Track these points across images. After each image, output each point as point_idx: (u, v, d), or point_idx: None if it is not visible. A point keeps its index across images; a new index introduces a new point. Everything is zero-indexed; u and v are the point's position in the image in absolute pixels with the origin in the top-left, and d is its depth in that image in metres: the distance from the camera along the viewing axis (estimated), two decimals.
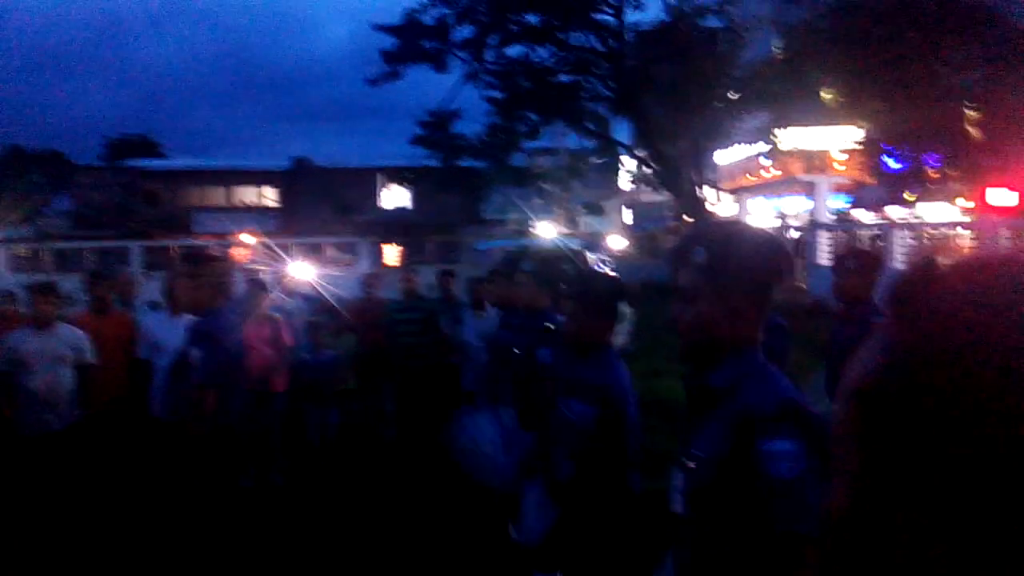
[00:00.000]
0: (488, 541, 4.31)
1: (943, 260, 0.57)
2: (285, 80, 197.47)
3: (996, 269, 0.52)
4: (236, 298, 6.11)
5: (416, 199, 33.22)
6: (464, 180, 23.95)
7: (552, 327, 3.81)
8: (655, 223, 32.71)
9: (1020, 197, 19.25)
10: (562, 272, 4.53)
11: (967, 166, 20.45)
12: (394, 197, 35.50)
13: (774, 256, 1.61)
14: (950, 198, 22.17)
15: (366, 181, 34.04)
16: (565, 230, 28.15)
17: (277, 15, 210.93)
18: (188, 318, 4.20)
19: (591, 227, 35.55)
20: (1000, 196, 19.45)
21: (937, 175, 22.19)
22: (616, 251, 29.51)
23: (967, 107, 20.00)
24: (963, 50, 19.52)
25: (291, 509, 5.37)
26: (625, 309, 2.75)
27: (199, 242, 24.01)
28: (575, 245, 12.79)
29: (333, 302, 7.48)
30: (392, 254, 21.60)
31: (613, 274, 3.28)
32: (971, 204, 21.09)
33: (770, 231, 1.89)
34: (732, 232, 1.69)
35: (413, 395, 6.90)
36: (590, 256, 11.84)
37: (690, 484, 1.56)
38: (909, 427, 0.50)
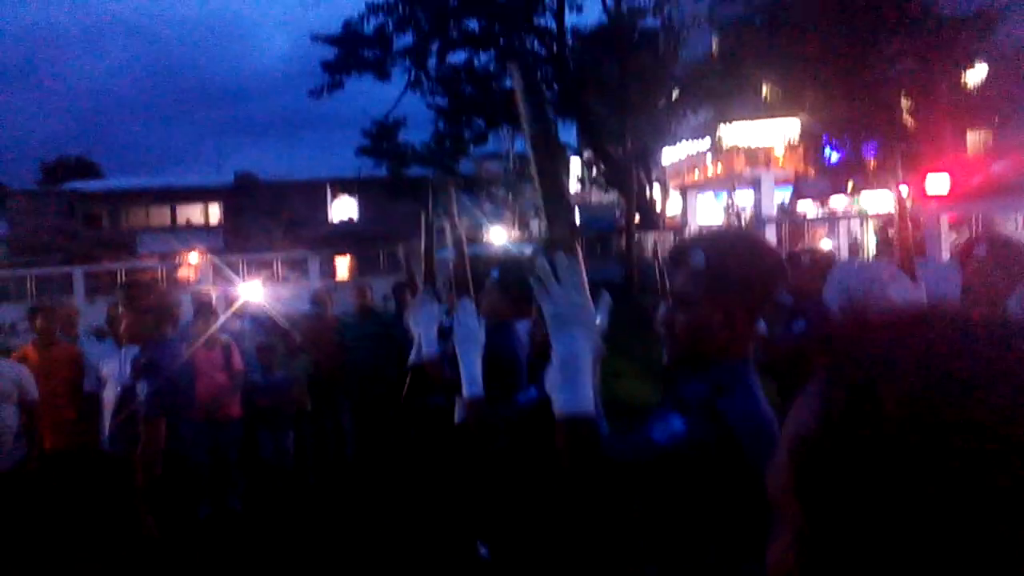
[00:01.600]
0: (455, 559, 4.27)
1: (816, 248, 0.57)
2: (226, 94, 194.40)
3: (930, 327, 0.53)
4: (183, 323, 5.98)
5: (366, 210, 32.96)
6: (411, 188, 23.87)
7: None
8: (605, 224, 32.96)
9: (951, 183, 19.83)
10: (526, 280, 4.50)
11: (903, 154, 21.01)
12: (343, 209, 35.18)
13: (772, 264, 1.60)
14: (891, 187, 22.73)
15: (314, 194, 33.66)
16: (516, 234, 28.20)
17: (216, 29, 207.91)
18: (134, 348, 4.08)
19: (542, 230, 35.59)
20: (936, 183, 20.02)
21: (876, 164, 22.78)
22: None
23: (900, 96, 20.55)
24: (896, 42, 20.07)
25: (251, 535, 5.26)
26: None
27: (144, 264, 23.49)
28: (528, 250, 12.78)
29: (284, 322, 7.34)
30: (344, 267, 21.39)
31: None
32: (903, 192, 21.63)
33: (759, 237, 1.89)
34: (732, 238, 1.70)
35: (372, 412, 6.81)
36: (541, 261, 11.81)
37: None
38: (845, 484, 0.50)
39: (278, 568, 4.71)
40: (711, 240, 1.67)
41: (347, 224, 34.06)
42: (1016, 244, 3.08)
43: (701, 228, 26.07)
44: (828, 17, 19.47)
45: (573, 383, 1.48)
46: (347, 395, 7.07)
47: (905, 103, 20.76)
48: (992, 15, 19.74)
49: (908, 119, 20.84)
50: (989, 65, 21.05)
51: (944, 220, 13.73)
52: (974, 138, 22.57)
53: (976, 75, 21.29)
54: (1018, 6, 18.70)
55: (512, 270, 4.25)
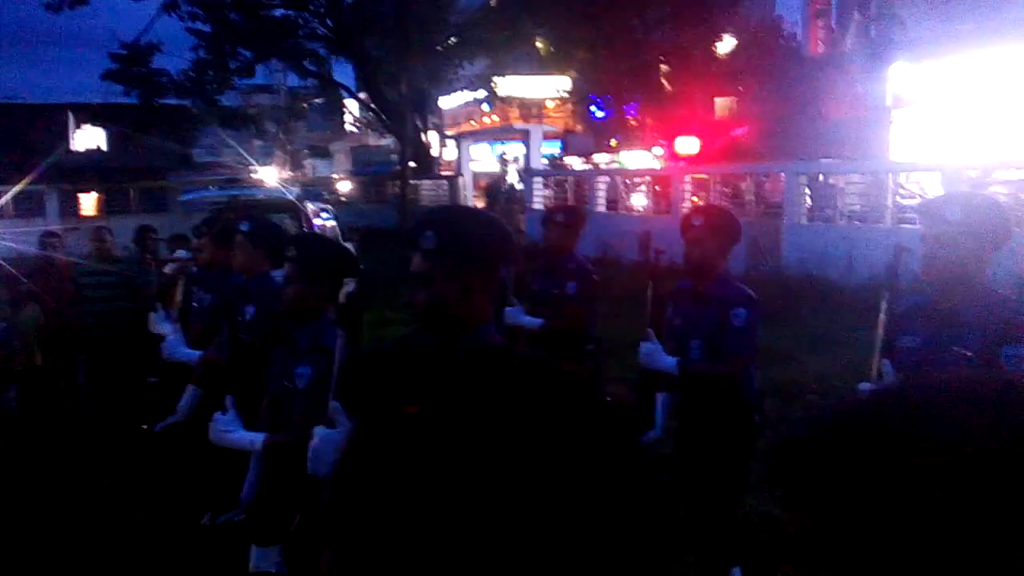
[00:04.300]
0: (187, 525, 4.09)
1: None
2: None
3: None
4: None
5: (114, 141, 30.00)
6: (168, 120, 22.05)
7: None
8: (381, 168, 32.52)
9: (700, 145, 21.64)
10: (283, 232, 4.31)
11: (660, 116, 22.60)
12: (88, 138, 31.77)
13: (500, 236, 1.72)
14: (647, 146, 24.39)
15: (53, 120, 30.00)
16: (288, 175, 27.07)
17: None
18: None
19: (317, 172, 34.50)
20: (686, 144, 21.74)
21: (636, 123, 24.31)
22: (343, 196, 28.87)
23: (658, 61, 21.98)
24: (655, 9, 21.35)
25: None
26: (347, 283, 2.73)
27: None
28: (294, 194, 12.29)
29: (8, 266, 6.54)
30: (88, 204, 19.34)
31: (333, 236, 3.21)
32: (661, 151, 23.37)
33: (485, 213, 1.98)
34: (459, 216, 1.85)
35: (108, 368, 6.29)
36: (311, 206, 11.43)
37: None
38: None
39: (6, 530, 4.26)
40: (441, 220, 1.74)
41: (92, 155, 30.80)
42: (727, 214, 3.41)
43: (475, 176, 26.53)
44: None
45: None
46: (82, 349, 6.46)
47: (662, 68, 22.23)
48: None
49: (664, 83, 22.37)
50: (735, 38, 23.06)
51: (689, 180, 14.97)
52: (721, 104, 24.71)
53: (724, 46, 23.25)
54: None
55: (263, 222, 4.05)
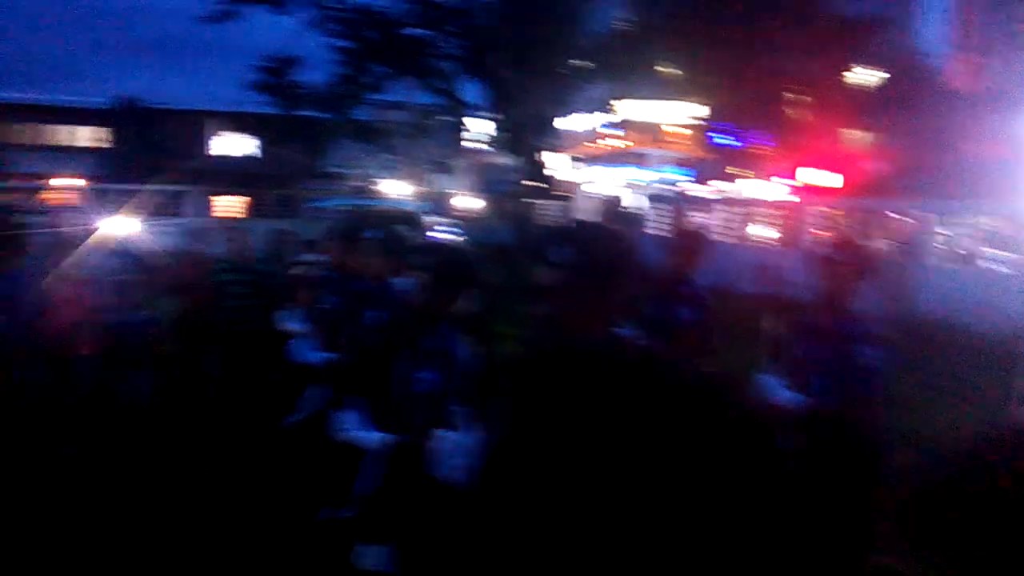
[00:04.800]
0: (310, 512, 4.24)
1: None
2: (113, 11, 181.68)
3: None
4: (39, 254, 5.62)
5: (252, 148, 31.74)
6: (303, 131, 23.08)
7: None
8: (501, 185, 32.95)
9: (829, 178, 20.89)
10: (409, 240, 4.48)
11: (787, 146, 21.98)
12: (229, 144, 33.71)
13: (626, 253, 1.72)
14: (772, 176, 23.76)
15: (198, 125, 32.08)
16: (412, 189, 27.85)
17: None
18: None
19: (439, 187, 35.34)
20: (814, 176, 21.04)
21: (763, 153, 23.73)
22: (461, 212, 29.47)
23: (790, 90, 21.40)
24: (787, 35, 20.82)
25: (97, 475, 5.05)
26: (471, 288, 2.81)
27: (9, 184, 21.85)
28: (417, 207, 12.66)
29: (153, 259, 7.01)
30: (227, 206, 20.54)
31: (458, 247, 3.33)
32: (789, 182, 22.70)
33: (616, 230, 2.00)
34: (587, 232, 1.81)
35: (239, 361, 6.63)
36: (434, 220, 11.76)
37: None
38: None
39: (128, 509, 4.56)
40: (571, 235, 1.76)
41: (235, 160, 32.70)
42: (863, 249, 3.28)
43: (590, 198, 26.51)
44: (725, 6, 19.96)
45: None
46: (216, 340, 6.85)
47: (793, 97, 21.63)
48: (885, 19, 20.77)
49: (796, 113, 21.75)
50: (877, 68, 22.21)
51: (817, 213, 14.47)
52: (855, 137, 23.81)
53: (862, 77, 22.42)
54: (902, 17, 19.70)
55: (390, 231, 4.21)
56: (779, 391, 3.10)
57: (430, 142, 28.87)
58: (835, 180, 20.86)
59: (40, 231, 6.16)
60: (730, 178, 24.68)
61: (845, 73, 21.74)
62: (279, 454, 4.91)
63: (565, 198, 26.26)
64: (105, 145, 32.27)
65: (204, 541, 4.27)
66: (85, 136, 32.97)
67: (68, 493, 4.49)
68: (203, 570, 4.01)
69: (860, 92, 22.14)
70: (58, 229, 6.28)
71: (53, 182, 22.21)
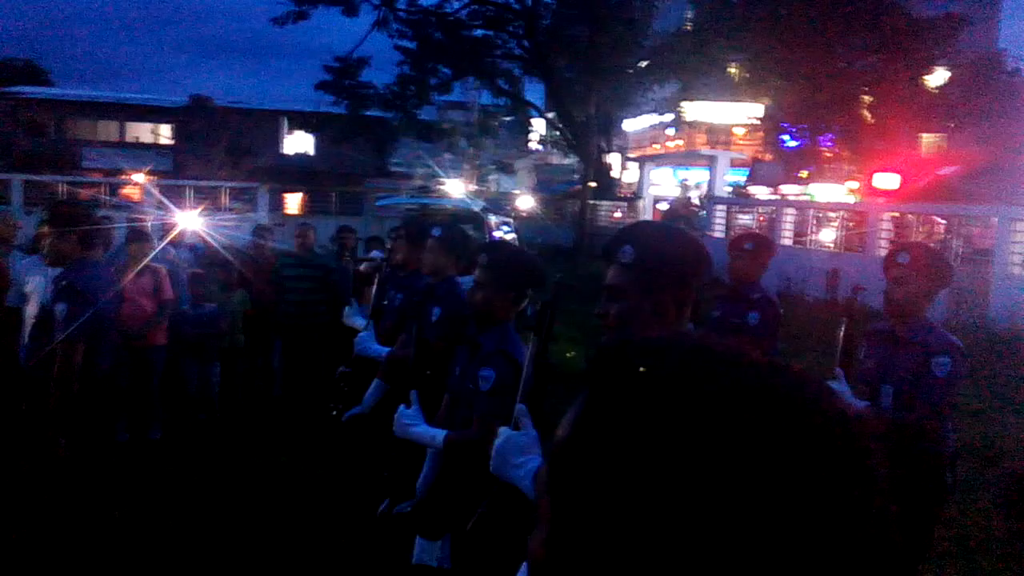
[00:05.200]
0: (369, 507, 4.29)
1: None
2: (186, 11, 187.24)
3: (679, 352, 0.58)
4: (116, 247, 5.83)
5: (321, 146, 32.31)
6: (370, 130, 23.44)
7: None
8: (563, 186, 32.91)
9: (901, 181, 20.28)
10: (472, 240, 4.50)
11: (858, 149, 21.39)
12: (298, 143, 34.41)
13: (695, 255, 1.72)
14: (840, 179, 23.17)
15: (269, 124, 32.82)
16: (473, 189, 27.98)
17: None
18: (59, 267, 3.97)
19: (500, 187, 35.46)
20: (886, 180, 20.45)
21: (830, 155, 23.16)
22: (524, 212, 29.54)
23: (860, 91, 20.83)
24: (858, 36, 20.26)
25: (167, 465, 5.22)
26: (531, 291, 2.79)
27: (87, 179, 22.70)
28: (479, 206, 12.72)
29: (222, 253, 7.19)
30: (293, 203, 20.99)
31: (522, 247, 3.31)
32: (857, 185, 22.10)
33: (684, 231, 1.96)
34: (656, 232, 1.83)
35: (301, 354, 6.77)
36: (494, 219, 11.80)
37: None
38: (588, 486, 0.55)
39: (189, 498, 4.69)
40: (639, 235, 1.73)
41: (300, 158, 33.37)
42: (937, 255, 3.18)
43: (655, 200, 26.29)
44: (796, 7, 19.55)
45: None
46: (279, 334, 7.00)
47: (864, 99, 21.06)
48: (957, 20, 20.05)
49: (866, 114, 21.17)
50: (949, 70, 21.46)
51: (888, 218, 14.05)
52: (927, 140, 23.07)
53: (935, 78, 21.70)
54: (981, 16, 19.02)
55: (454, 229, 4.23)
56: (848, 399, 3.02)
57: (493, 142, 29.04)
58: (908, 184, 20.22)
59: (118, 225, 6.39)
60: (800, 181, 24.15)
61: (921, 74, 21.07)
62: (340, 447, 4.99)
63: (630, 199, 26.07)
64: (179, 142, 33.28)
65: (266, 532, 4.37)
66: (160, 133, 34.07)
67: (129, 480, 4.63)
68: (266, 560, 4.10)
69: (935, 93, 21.43)
70: (134, 224, 6.49)
71: (130, 177, 22.99)
